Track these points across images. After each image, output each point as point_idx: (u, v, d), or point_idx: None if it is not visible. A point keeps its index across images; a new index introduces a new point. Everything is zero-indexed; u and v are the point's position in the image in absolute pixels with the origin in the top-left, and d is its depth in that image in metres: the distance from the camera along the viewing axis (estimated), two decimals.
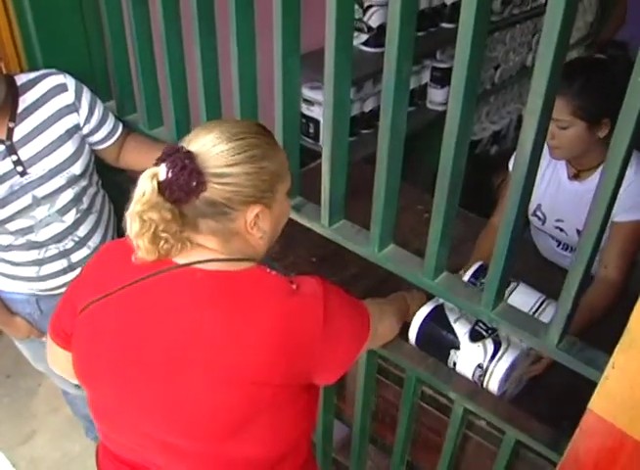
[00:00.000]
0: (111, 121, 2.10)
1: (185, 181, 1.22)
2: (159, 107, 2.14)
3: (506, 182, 2.35)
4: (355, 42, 3.45)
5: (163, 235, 1.26)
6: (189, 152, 1.25)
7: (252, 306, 1.30)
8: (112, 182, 2.28)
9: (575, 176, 2.21)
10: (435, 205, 1.45)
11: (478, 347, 1.66)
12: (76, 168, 1.99)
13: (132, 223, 1.26)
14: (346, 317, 1.41)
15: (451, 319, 1.72)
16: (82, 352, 1.42)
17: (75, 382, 1.49)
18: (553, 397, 1.81)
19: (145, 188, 1.23)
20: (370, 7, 3.36)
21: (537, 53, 1.15)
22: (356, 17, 3.41)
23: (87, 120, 2.02)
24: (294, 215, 1.78)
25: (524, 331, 1.46)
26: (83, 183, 2.04)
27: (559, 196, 2.26)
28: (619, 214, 2.00)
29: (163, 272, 1.32)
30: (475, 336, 1.68)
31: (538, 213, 2.36)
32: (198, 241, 1.33)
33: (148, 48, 2.01)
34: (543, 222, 2.36)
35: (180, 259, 1.33)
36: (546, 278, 2.14)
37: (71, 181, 1.99)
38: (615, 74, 1.96)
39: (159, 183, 1.24)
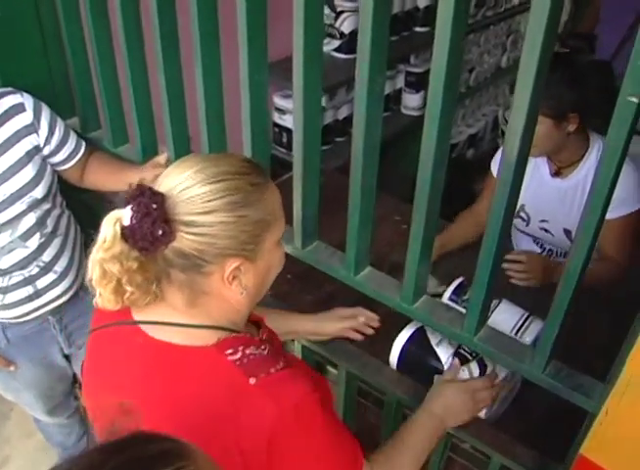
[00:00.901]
0: (72, 141, 2.01)
1: (149, 230, 1.06)
2: (123, 123, 2.06)
3: (488, 181, 2.39)
4: (327, 48, 3.38)
5: (129, 289, 1.12)
6: (157, 195, 1.08)
7: (189, 393, 1.14)
8: (77, 201, 2.20)
9: (557, 173, 2.20)
10: (413, 227, 1.39)
11: (462, 371, 1.59)
12: (38, 192, 1.90)
13: (92, 270, 1.12)
14: (312, 452, 1.18)
15: (433, 342, 1.64)
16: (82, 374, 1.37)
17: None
18: (538, 416, 1.75)
19: (106, 234, 1.09)
20: (342, 12, 3.30)
21: (522, 54, 1.09)
22: (328, 23, 3.34)
23: (47, 141, 1.93)
24: None
25: (507, 357, 1.40)
26: (46, 206, 1.95)
27: (542, 194, 2.23)
28: (609, 213, 1.97)
29: (111, 326, 1.23)
30: (459, 359, 1.61)
31: (522, 214, 2.33)
32: (166, 294, 1.18)
33: (109, 64, 1.93)
34: (527, 223, 2.33)
35: (138, 313, 1.21)
36: (529, 290, 2.10)
37: (33, 205, 1.91)
38: (578, 67, 1.95)
39: (122, 229, 1.09)
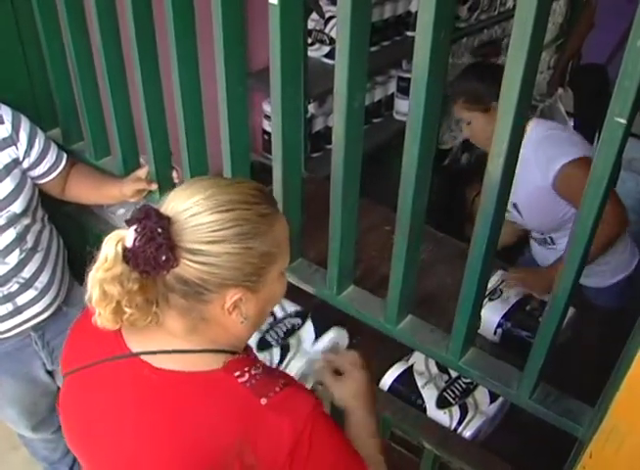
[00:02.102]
0: (53, 154, 1.96)
1: (152, 255, 1.02)
2: (104, 136, 2.02)
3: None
4: (317, 54, 3.34)
5: (129, 310, 1.07)
6: (163, 218, 1.04)
7: (199, 422, 1.10)
8: (59, 213, 2.16)
9: None
10: (396, 247, 1.35)
11: (444, 413, 1.62)
12: (17, 207, 1.85)
13: (92, 290, 1.07)
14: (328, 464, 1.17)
15: (419, 384, 1.66)
16: (61, 418, 1.30)
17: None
18: (527, 437, 1.71)
19: (108, 253, 1.04)
20: (331, 18, 3.25)
21: (507, 61, 1.04)
22: (318, 28, 3.30)
23: (27, 154, 1.88)
24: None
25: (494, 381, 1.36)
26: (26, 221, 1.91)
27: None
28: (553, 171, 2.09)
29: (113, 360, 1.17)
30: (442, 403, 1.64)
31: (515, 214, 2.35)
32: (165, 319, 1.13)
33: (90, 78, 1.90)
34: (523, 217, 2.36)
35: (135, 344, 1.16)
36: None
37: (12, 220, 1.86)
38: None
39: (124, 250, 1.04)
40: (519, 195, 2.17)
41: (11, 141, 1.84)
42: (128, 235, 1.04)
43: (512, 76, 1.03)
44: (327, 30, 3.28)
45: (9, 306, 1.96)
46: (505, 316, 1.83)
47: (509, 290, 1.95)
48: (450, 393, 1.64)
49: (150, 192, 1.89)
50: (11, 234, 1.87)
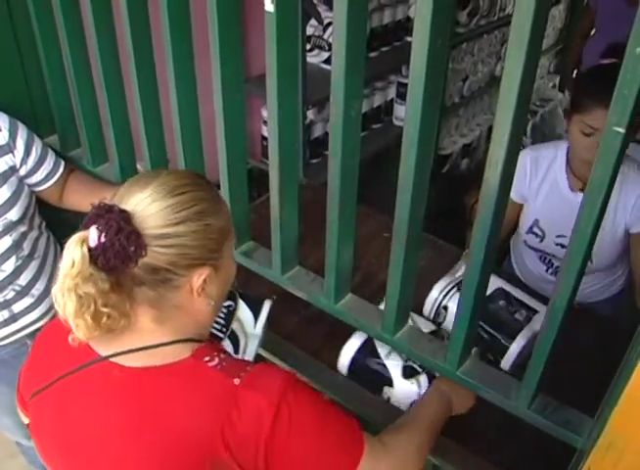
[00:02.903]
0: (50, 161, 1.95)
1: (122, 246, 1.04)
2: (102, 143, 2.01)
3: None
4: (316, 60, 3.34)
5: (105, 310, 1.08)
6: (124, 211, 1.07)
7: (176, 414, 1.12)
8: (58, 220, 2.15)
9: (581, 189, 2.12)
10: (393, 256, 1.33)
11: (411, 383, 1.57)
12: (13, 214, 1.84)
13: (66, 302, 1.07)
14: (314, 439, 1.16)
15: (382, 354, 1.62)
16: (36, 442, 1.28)
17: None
18: (525, 445, 1.69)
19: (74, 257, 1.05)
20: (330, 24, 3.25)
21: (504, 68, 1.03)
22: (317, 34, 3.30)
23: (24, 161, 1.88)
24: (244, 262, 1.67)
25: (492, 391, 1.34)
26: (22, 229, 1.90)
27: (561, 209, 2.17)
28: (637, 225, 2.06)
29: (85, 367, 1.17)
30: (408, 372, 1.59)
31: (536, 230, 2.26)
32: (135, 318, 1.15)
33: (87, 86, 1.89)
34: (542, 239, 2.26)
35: (104, 350, 1.17)
36: None
37: (9, 228, 1.85)
38: None
39: (89, 250, 1.05)
40: (600, 239, 2.12)
41: (8, 148, 1.84)
42: (91, 234, 1.05)
43: (510, 83, 1.02)
44: (326, 36, 3.29)
45: (5, 314, 1.95)
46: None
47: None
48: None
49: None
50: (7, 241, 1.86)
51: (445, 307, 1.78)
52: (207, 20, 1.36)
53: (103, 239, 1.04)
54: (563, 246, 2.21)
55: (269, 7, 1.23)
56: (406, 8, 3.63)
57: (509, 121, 1.05)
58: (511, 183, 1.18)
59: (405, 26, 3.65)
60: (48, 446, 1.26)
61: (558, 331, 1.20)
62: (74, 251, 1.05)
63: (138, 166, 1.98)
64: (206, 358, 1.16)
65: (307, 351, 1.81)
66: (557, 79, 5.66)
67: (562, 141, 2.25)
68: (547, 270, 2.34)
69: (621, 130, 0.95)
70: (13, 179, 1.85)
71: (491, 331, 1.68)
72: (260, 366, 1.19)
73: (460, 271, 1.89)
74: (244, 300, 1.66)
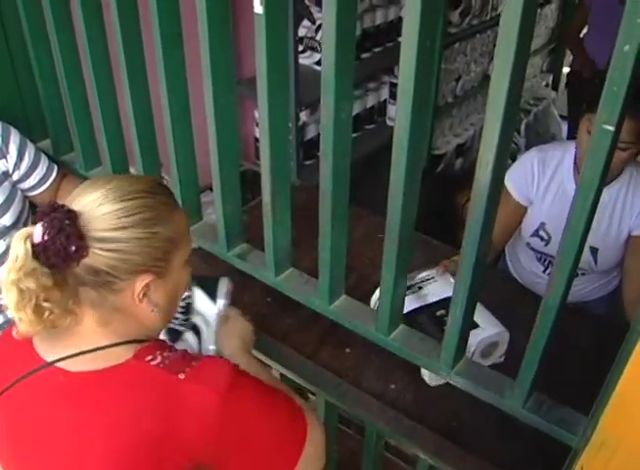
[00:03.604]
0: (43, 165, 1.95)
1: (62, 246, 1.05)
2: (94, 147, 2.01)
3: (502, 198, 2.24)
4: (308, 62, 3.33)
5: (46, 305, 1.07)
6: (70, 211, 1.07)
7: (123, 416, 1.12)
8: None
9: None
10: (385, 257, 1.33)
11: (183, 341, 1.56)
12: (7, 219, 1.84)
13: (9, 294, 1.07)
14: (261, 423, 1.19)
15: None
16: None
17: None
18: (523, 445, 1.69)
19: (17, 252, 1.06)
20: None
21: (493, 68, 1.03)
22: (309, 36, 3.29)
23: (17, 166, 1.87)
24: (238, 264, 1.67)
25: (487, 390, 1.34)
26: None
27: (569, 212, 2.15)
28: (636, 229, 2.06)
29: (31, 375, 1.16)
30: (174, 336, 1.56)
31: (542, 233, 2.24)
32: (79, 316, 1.15)
33: (78, 90, 1.89)
34: (547, 243, 2.24)
35: (51, 354, 1.16)
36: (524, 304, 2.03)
37: (3, 233, 1.85)
38: None
39: (33, 246, 1.06)
40: (606, 242, 2.15)
41: (0, 154, 1.83)
42: (36, 231, 1.07)
43: (499, 83, 1.02)
44: (318, 38, 3.27)
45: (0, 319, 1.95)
46: (410, 313, 1.75)
47: (432, 287, 1.89)
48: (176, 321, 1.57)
49: None
50: (1, 247, 1.86)
51: None
52: (198, 23, 1.36)
53: (46, 237, 1.05)
54: (594, 251, 2.20)
55: (258, 9, 1.23)
56: (398, 9, 3.62)
57: (499, 121, 1.05)
58: (501, 183, 1.18)
59: (397, 27, 3.62)
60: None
61: (551, 329, 1.20)
62: (18, 245, 1.06)
63: (131, 170, 1.97)
64: (148, 358, 1.16)
65: (302, 352, 1.81)
66: (550, 78, 5.67)
67: (569, 142, 2.24)
68: (544, 271, 2.33)
69: (611, 128, 0.95)
70: (6, 184, 1.85)
71: None
72: (206, 359, 1.20)
73: (419, 276, 1.88)
74: (202, 286, 1.63)
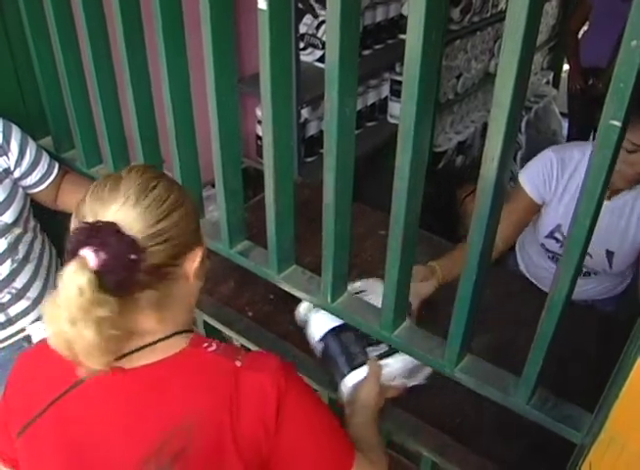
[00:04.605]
0: (45, 163, 1.94)
1: (126, 257, 1.03)
2: (96, 144, 2.00)
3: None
4: (310, 59, 3.33)
5: (114, 332, 1.04)
6: (111, 223, 1.04)
7: (186, 399, 1.13)
8: (53, 222, 2.13)
9: (609, 196, 2.09)
10: (390, 254, 1.33)
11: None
12: (8, 217, 1.83)
13: (83, 332, 1.01)
14: (317, 417, 1.22)
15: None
16: None
17: None
18: (526, 444, 1.69)
19: (79, 285, 0.99)
20: (324, 22, 3.24)
21: (499, 63, 1.02)
22: (310, 33, 3.29)
23: (18, 163, 1.87)
24: (240, 261, 1.66)
25: (491, 387, 1.34)
26: (17, 231, 1.89)
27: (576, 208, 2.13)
28: None
29: (82, 382, 1.15)
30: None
31: (557, 235, 2.22)
32: (137, 326, 1.13)
33: (79, 87, 1.88)
34: (562, 244, 2.21)
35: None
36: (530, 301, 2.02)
37: (4, 230, 1.84)
38: None
39: (95, 273, 1.01)
40: (623, 246, 2.13)
41: (2, 151, 1.83)
42: (88, 257, 1.01)
43: (504, 79, 1.02)
44: (319, 34, 3.27)
45: (1, 318, 1.94)
46: (334, 330, 1.68)
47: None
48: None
49: None
50: (2, 244, 1.85)
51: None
52: (200, 19, 1.36)
53: (104, 256, 1.01)
54: (610, 254, 2.19)
55: (262, 4, 1.22)
56: (399, 5, 3.62)
57: (504, 117, 1.04)
58: (507, 179, 1.17)
59: (398, 24, 3.64)
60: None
61: (556, 326, 1.19)
62: (77, 278, 1.00)
63: None
64: (205, 345, 1.19)
65: (304, 349, 1.81)
66: (550, 75, 5.67)
67: (587, 143, 2.22)
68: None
69: (618, 124, 0.95)
70: (7, 182, 1.84)
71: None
72: (254, 351, 1.24)
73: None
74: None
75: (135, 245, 1.04)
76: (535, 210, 2.22)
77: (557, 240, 2.22)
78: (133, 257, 1.04)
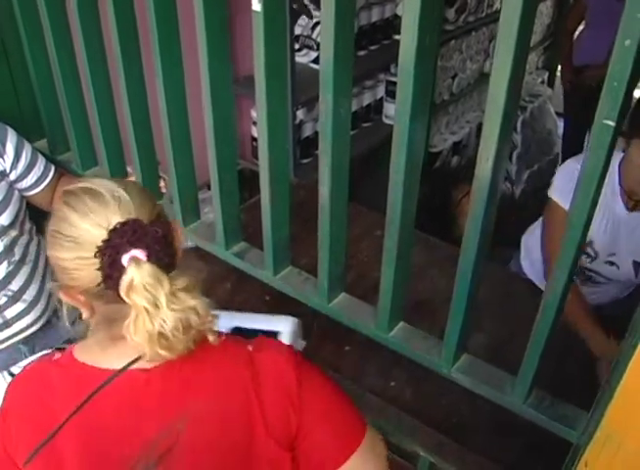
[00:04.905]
0: (40, 165, 1.94)
1: (166, 243, 1.08)
2: (91, 146, 2.00)
3: (551, 216, 2.16)
4: (305, 60, 3.33)
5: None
6: (138, 220, 1.06)
7: (215, 386, 1.15)
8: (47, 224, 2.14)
9: (634, 206, 2.07)
10: (386, 254, 1.33)
11: None
12: (4, 219, 1.83)
13: (166, 324, 1.03)
14: (332, 389, 1.24)
15: None
16: None
17: None
18: (523, 443, 1.69)
19: (143, 280, 1.02)
20: (319, 23, 3.24)
21: (494, 63, 1.03)
22: (305, 34, 3.29)
23: (14, 166, 1.86)
24: (236, 263, 1.66)
25: (487, 387, 1.34)
26: (13, 233, 1.88)
27: (616, 230, 2.11)
28: None
29: (103, 388, 1.12)
30: None
31: (589, 251, 2.18)
32: None
33: (74, 89, 1.88)
34: (593, 259, 2.19)
35: (115, 362, 1.13)
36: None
37: (0, 233, 1.84)
38: None
39: (150, 262, 1.04)
40: None
41: None
42: (139, 254, 1.04)
43: (499, 79, 1.02)
44: (314, 36, 3.27)
45: None
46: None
47: None
48: None
49: None
50: None
51: None
52: (195, 21, 1.36)
53: (156, 246, 1.06)
54: (612, 263, 2.18)
55: (256, 6, 1.22)
56: (394, 6, 3.62)
57: (499, 117, 1.05)
58: (502, 179, 1.18)
59: (393, 24, 3.64)
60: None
61: (551, 326, 1.20)
62: (141, 273, 1.03)
63: (128, 169, 1.97)
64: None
65: (302, 350, 1.81)
66: (545, 75, 5.67)
67: None
68: (582, 283, 2.30)
69: (612, 123, 0.95)
70: (3, 184, 1.84)
71: None
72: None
73: None
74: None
75: (165, 227, 1.10)
76: None
77: (588, 255, 2.19)
78: (168, 239, 1.09)
